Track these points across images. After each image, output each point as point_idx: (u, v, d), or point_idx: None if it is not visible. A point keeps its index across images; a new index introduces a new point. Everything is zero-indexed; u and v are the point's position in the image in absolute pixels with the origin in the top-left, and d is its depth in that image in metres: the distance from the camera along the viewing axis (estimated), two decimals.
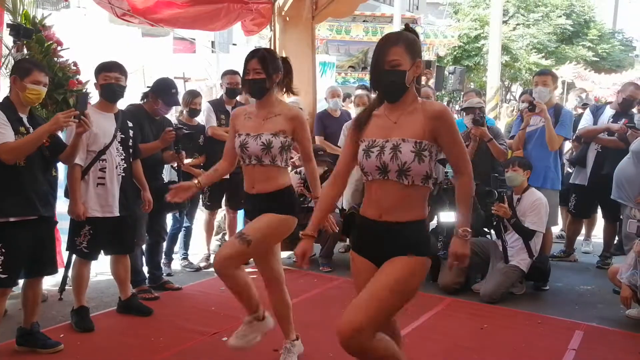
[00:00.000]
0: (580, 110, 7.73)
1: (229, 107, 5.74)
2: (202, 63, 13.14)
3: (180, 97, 5.26)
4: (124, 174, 4.22)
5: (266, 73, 3.29)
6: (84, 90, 4.91)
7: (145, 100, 4.98)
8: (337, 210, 6.03)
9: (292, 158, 6.59)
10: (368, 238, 2.66)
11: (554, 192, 5.72)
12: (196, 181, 3.47)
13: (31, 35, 4.67)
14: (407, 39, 2.53)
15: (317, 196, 3.49)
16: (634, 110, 6.12)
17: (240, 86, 5.46)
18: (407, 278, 2.52)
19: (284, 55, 3.56)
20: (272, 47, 7.21)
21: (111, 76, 4.15)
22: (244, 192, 3.47)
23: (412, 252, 2.54)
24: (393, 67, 2.48)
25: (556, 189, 5.76)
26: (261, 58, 3.30)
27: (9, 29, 4.67)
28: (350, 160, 2.71)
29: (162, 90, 4.89)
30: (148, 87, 5.09)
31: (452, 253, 2.65)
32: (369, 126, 2.63)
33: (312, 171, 3.52)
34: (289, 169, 3.47)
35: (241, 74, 3.43)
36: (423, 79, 7.96)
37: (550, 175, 5.66)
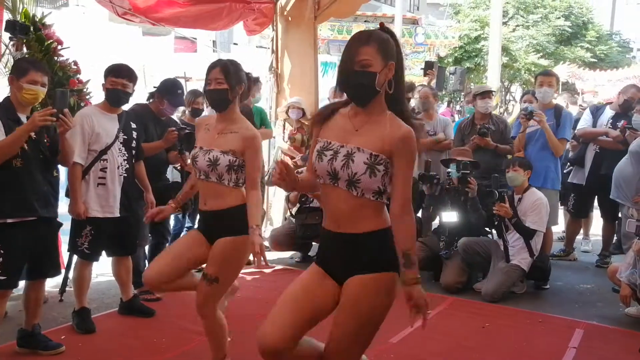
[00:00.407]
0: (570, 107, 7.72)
1: None
2: (204, 62, 13.12)
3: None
4: (125, 175, 4.19)
5: (228, 84, 3.11)
6: (83, 90, 4.91)
7: (151, 100, 4.98)
8: None
9: (293, 158, 6.61)
10: (328, 251, 2.46)
11: (554, 192, 5.76)
12: (172, 203, 3.40)
13: (28, 32, 4.61)
14: (379, 39, 2.31)
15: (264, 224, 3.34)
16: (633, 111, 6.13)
17: None
18: (373, 304, 2.33)
19: (247, 70, 3.37)
20: (275, 47, 7.23)
21: (118, 82, 4.08)
22: (201, 211, 3.31)
23: (373, 268, 2.33)
24: (363, 68, 2.27)
25: (556, 189, 5.81)
26: (223, 68, 3.14)
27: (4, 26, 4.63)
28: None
29: (168, 91, 4.88)
30: (154, 87, 5.08)
31: (415, 306, 2.33)
32: (329, 125, 2.42)
33: (253, 200, 3.17)
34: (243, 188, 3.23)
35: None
36: (426, 79, 7.95)
37: (550, 175, 5.70)
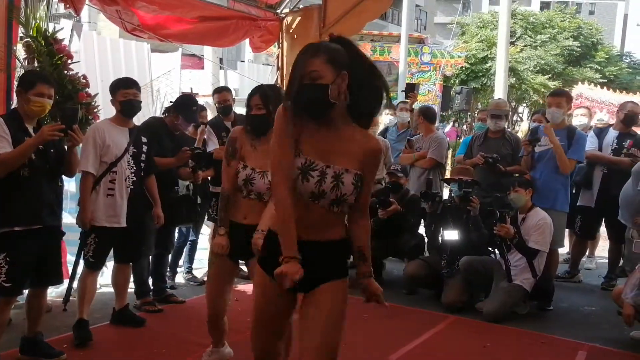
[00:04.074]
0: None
1: (228, 124, 5.62)
2: (210, 79, 13.27)
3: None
4: (132, 187, 4.28)
5: (267, 109, 3.29)
6: (91, 103, 4.98)
7: (166, 114, 5.11)
8: None
9: None
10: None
11: (562, 214, 5.67)
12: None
13: None
14: (328, 49, 2.29)
15: None
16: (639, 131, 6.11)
17: (230, 103, 5.62)
18: (344, 309, 2.40)
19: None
20: (280, 64, 7.30)
21: (130, 92, 4.26)
22: (234, 222, 3.37)
23: (340, 274, 2.41)
24: (313, 80, 2.23)
25: (564, 210, 5.71)
26: (262, 94, 3.35)
27: None
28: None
29: (184, 107, 4.99)
30: (171, 102, 5.21)
31: (374, 295, 2.48)
32: (305, 140, 2.34)
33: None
34: None
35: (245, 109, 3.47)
36: (408, 102, 7.91)
37: (560, 197, 5.61)
